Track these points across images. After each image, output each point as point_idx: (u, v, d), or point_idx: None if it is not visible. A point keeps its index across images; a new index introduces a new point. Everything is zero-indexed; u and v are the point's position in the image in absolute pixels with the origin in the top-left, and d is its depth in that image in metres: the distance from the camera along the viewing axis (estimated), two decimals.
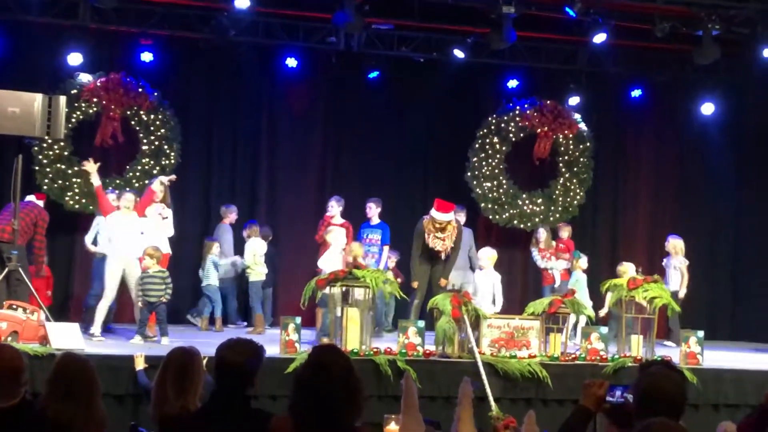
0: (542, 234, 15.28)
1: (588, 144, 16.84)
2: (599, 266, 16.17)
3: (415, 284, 13.42)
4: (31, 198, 12.63)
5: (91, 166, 12.58)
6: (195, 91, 15.96)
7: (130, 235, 12.23)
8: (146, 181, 14.83)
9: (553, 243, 15.34)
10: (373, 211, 14.54)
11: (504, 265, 17.09)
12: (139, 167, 15.07)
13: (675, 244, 14.94)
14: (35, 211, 12.28)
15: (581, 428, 4.99)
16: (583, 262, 14.74)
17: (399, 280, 13.60)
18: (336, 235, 13.28)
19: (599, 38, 14.84)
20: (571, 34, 15.65)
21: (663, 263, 15.07)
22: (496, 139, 16.50)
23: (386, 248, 14.38)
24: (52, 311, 11.73)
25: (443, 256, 13.30)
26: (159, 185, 12.90)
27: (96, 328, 11.88)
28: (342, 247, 13.17)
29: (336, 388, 4.23)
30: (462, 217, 14.69)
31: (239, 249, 14.63)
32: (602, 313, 13.92)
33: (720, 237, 17.01)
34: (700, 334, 11.92)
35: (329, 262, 12.75)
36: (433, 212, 13.24)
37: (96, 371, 5.59)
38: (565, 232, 15.53)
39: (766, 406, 7.23)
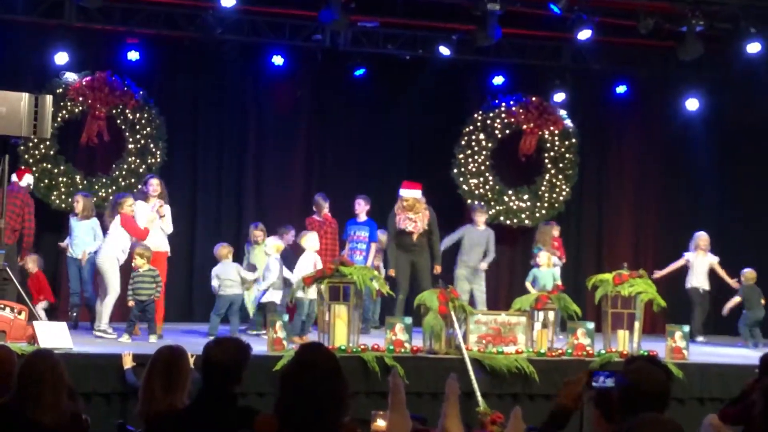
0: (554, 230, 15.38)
1: (573, 140, 16.89)
2: (585, 261, 16.23)
3: (391, 272, 13.55)
4: (14, 179, 12.70)
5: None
6: (181, 89, 15.96)
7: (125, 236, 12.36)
8: (132, 180, 14.91)
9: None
10: (362, 207, 14.58)
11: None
12: (125, 166, 15.08)
13: (706, 239, 15.25)
14: (21, 192, 12.40)
15: (562, 425, 5.02)
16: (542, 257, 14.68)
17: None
18: (311, 238, 13.20)
19: (584, 35, 14.88)
20: (556, 31, 15.70)
21: (685, 258, 15.41)
22: (482, 136, 16.55)
23: (374, 245, 14.42)
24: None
25: (415, 237, 13.34)
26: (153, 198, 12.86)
27: (105, 324, 12.00)
28: (316, 250, 13.10)
29: (321, 385, 4.27)
30: (483, 217, 14.91)
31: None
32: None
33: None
34: (686, 329, 12.02)
35: (303, 266, 12.69)
36: (400, 191, 13.51)
37: (61, 366, 5.54)
38: (556, 231, 15.60)
39: (748, 389, 7.32)
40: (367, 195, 14.78)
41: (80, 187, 14.65)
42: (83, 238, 13.13)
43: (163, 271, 12.57)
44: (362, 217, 14.59)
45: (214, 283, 13.15)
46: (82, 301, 13.30)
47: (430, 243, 13.65)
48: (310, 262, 12.63)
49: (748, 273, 14.95)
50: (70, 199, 14.48)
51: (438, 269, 13.66)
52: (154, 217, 12.54)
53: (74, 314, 13.04)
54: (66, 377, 5.56)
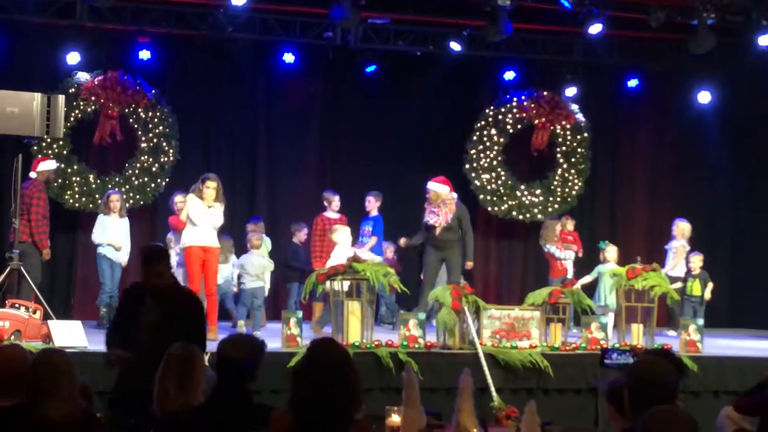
0: (559, 226, 15.31)
1: (585, 134, 16.87)
2: (598, 255, 16.16)
3: (403, 241, 13.94)
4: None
5: None
6: (192, 88, 16.00)
7: None
8: (145, 179, 14.98)
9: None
10: (372, 204, 14.61)
11: (504, 256, 17.23)
12: (138, 165, 15.12)
13: (682, 228, 15.10)
14: (30, 187, 12.41)
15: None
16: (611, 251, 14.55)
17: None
18: (342, 233, 13.29)
19: (595, 29, 14.85)
20: (567, 25, 15.67)
21: (666, 246, 15.23)
22: (493, 131, 16.54)
23: (374, 239, 14.38)
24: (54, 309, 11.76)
25: (437, 231, 13.24)
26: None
27: None
28: (348, 245, 13.18)
29: (334, 381, 4.27)
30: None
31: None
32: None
33: (718, 224, 17.05)
34: (700, 321, 12.00)
35: (335, 261, 12.69)
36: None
37: (72, 362, 5.54)
38: (570, 224, 15.61)
39: (764, 381, 7.34)
40: (379, 190, 14.80)
41: (93, 186, 14.73)
42: (121, 236, 13.19)
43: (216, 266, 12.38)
44: (373, 212, 14.62)
45: (236, 272, 13.32)
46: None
47: (463, 239, 13.55)
48: (342, 257, 12.64)
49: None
50: (83, 199, 14.58)
51: (470, 265, 13.61)
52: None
53: (104, 312, 12.96)
54: (77, 374, 5.57)
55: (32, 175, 12.58)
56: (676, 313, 14.61)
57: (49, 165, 12.99)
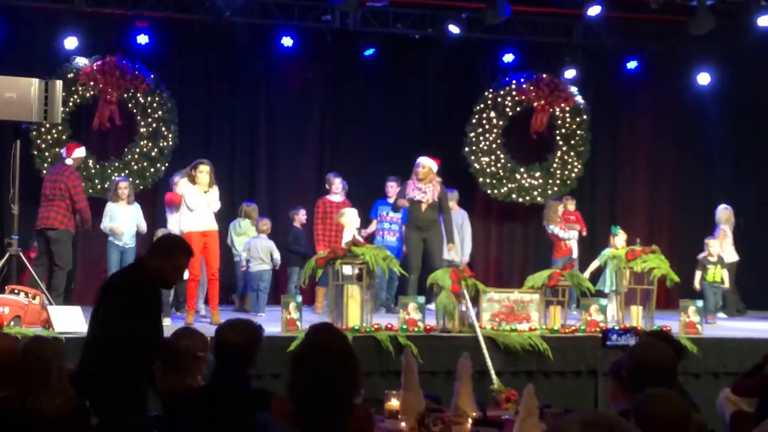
0: (561, 206, 15.29)
1: (585, 117, 16.84)
2: (598, 238, 16.21)
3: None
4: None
5: None
6: (191, 72, 15.99)
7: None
8: (145, 164, 14.98)
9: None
10: (395, 189, 14.53)
11: (504, 239, 17.22)
12: (137, 149, 15.12)
13: (728, 215, 15.18)
14: (66, 173, 12.40)
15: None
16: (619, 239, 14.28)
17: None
18: (349, 215, 13.27)
19: (594, 11, 14.84)
20: (566, 7, 15.66)
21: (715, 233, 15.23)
22: (493, 114, 16.52)
23: (405, 228, 14.39)
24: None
25: (423, 208, 13.21)
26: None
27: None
28: (357, 227, 13.17)
29: (332, 365, 4.27)
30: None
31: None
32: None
33: (718, 206, 17.01)
34: (700, 303, 12.00)
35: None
36: (417, 159, 13.45)
37: (58, 352, 5.50)
38: (571, 204, 15.60)
39: (762, 362, 7.36)
40: (378, 174, 14.85)
41: (93, 171, 14.72)
42: (132, 222, 13.14)
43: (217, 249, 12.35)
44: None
45: (244, 255, 13.71)
46: None
47: (444, 221, 13.46)
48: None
49: None
50: (83, 184, 14.54)
51: (451, 247, 13.59)
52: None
53: None
54: (64, 363, 5.56)
55: (68, 162, 12.58)
56: (728, 297, 14.72)
57: (82, 152, 12.96)
